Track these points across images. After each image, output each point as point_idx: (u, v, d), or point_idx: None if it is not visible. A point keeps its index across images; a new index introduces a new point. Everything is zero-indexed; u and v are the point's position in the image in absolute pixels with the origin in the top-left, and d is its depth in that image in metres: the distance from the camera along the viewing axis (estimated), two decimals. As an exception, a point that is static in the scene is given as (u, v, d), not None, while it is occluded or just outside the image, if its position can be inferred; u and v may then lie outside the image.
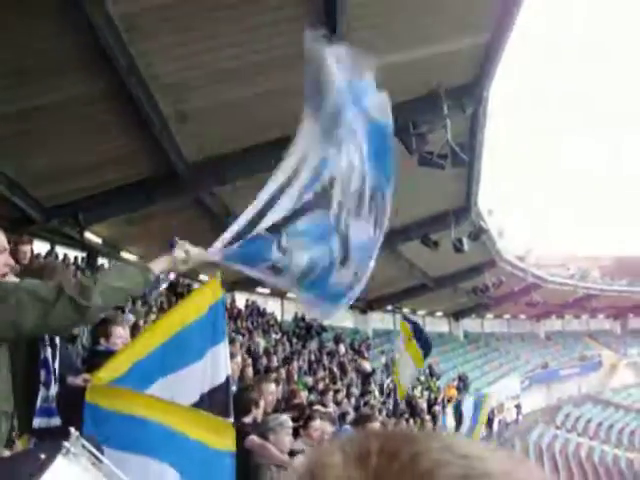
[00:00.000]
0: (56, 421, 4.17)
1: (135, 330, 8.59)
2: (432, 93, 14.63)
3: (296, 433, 6.31)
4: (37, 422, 4.08)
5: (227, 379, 3.51)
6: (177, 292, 20.39)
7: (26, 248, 8.02)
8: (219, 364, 3.49)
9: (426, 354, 13.45)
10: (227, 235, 3.14)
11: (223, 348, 3.53)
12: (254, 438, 5.40)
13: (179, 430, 3.20)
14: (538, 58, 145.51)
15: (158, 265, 3.04)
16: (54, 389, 4.22)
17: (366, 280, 3.76)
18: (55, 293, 2.55)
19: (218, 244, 3.15)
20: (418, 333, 13.38)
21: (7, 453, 2.69)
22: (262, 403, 6.19)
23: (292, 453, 5.78)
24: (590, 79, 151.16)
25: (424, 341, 13.31)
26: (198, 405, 3.45)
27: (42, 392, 4.16)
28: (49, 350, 4.27)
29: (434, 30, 13.05)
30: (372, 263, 3.75)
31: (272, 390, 6.74)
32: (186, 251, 3.07)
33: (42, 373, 4.17)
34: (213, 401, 3.46)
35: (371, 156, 3.41)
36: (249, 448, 5.28)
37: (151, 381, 3.44)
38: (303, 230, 3.22)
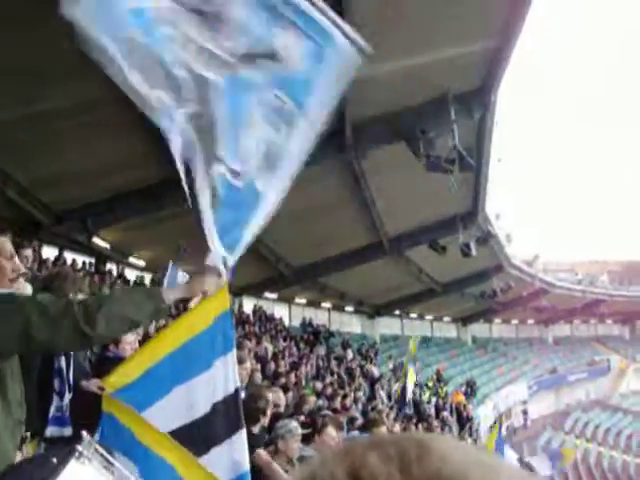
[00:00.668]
0: (68, 431, 4.17)
1: (146, 337, 8.58)
2: (440, 98, 14.63)
3: (306, 439, 6.31)
4: (50, 431, 4.09)
5: (236, 390, 3.48)
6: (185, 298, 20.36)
7: (27, 252, 8.06)
8: (228, 374, 3.46)
9: None
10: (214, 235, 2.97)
11: (231, 358, 3.51)
12: (261, 454, 5.40)
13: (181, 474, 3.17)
14: (545, 63, 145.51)
15: (172, 293, 2.90)
16: (67, 398, 4.23)
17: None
18: (63, 315, 2.47)
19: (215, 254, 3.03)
20: None
21: (18, 458, 2.70)
22: (269, 411, 6.20)
23: (301, 459, 5.77)
24: (599, 83, 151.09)
25: None
26: (210, 416, 3.42)
27: (56, 401, 4.17)
28: (63, 360, 4.27)
29: (442, 35, 13.04)
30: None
31: (272, 398, 6.72)
32: (204, 280, 3.00)
33: (56, 382, 4.18)
34: (225, 411, 3.43)
35: None
36: (256, 463, 5.29)
37: (167, 390, 3.42)
38: None
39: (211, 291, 3.10)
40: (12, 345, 2.46)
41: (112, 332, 2.65)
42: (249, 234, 3.04)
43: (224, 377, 3.47)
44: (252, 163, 2.90)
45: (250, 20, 2.63)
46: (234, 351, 3.57)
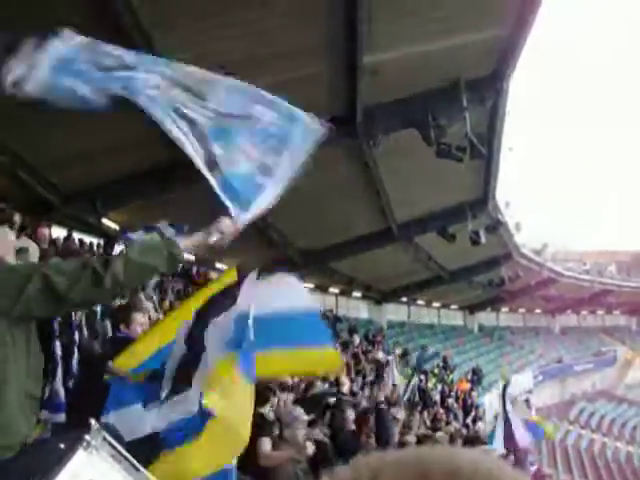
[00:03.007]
0: (60, 417, 4.16)
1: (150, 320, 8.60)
2: (452, 85, 14.53)
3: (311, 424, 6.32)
4: (42, 414, 4.07)
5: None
6: (194, 281, 20.44)
7: (45, 231, 8.23)
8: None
9: None
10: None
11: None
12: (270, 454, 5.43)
13: None
14: (559, 50, 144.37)
15: (186, 241, 2.93)
16: (60, 382, 4.22)
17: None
18: (80, 267, 2.54)
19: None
20: None
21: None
22: (277, 390, 6.22)
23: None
24: (610, 69, 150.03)
25: None
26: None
27: (48, 385, 4.16)
28: (58, 344, 4.27)
29: (454, 22, 12.93)
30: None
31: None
32: (221, 230, 3.00)
33: (49, 366, 4.17)
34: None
35: None
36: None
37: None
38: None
39: (228, 234, 3.02)
40: (39, 305, 2.51)
41: (131, 277, 2.65)
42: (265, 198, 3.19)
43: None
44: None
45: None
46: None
